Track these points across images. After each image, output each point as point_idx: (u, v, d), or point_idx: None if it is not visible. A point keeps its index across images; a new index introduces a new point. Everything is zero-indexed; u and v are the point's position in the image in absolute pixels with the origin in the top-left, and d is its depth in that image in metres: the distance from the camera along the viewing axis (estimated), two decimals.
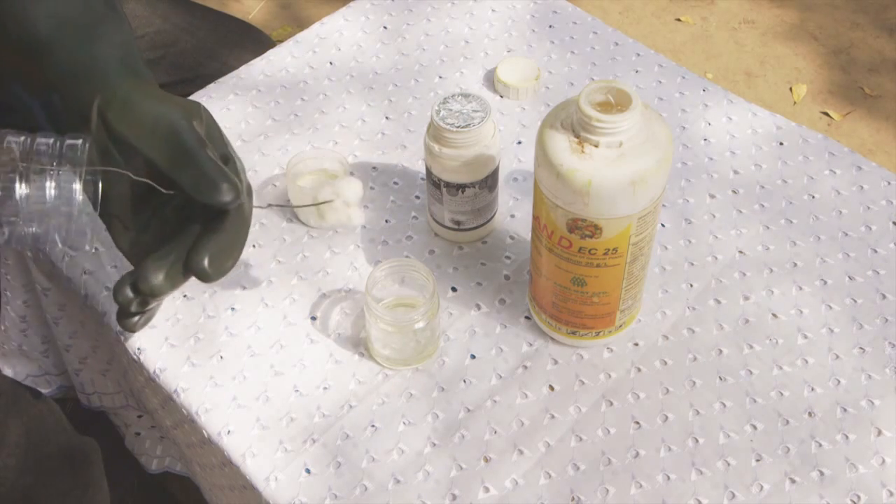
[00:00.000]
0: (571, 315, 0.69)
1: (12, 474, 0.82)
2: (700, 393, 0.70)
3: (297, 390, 0.70)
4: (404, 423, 0.68)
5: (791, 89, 1.88)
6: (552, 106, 0.64)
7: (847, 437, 0.67)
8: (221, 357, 0.72)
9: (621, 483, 0.65)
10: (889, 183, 0.84)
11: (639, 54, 0.96)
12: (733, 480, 0.65)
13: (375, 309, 0.67)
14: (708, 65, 1.94)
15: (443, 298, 0.75)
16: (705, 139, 0.88)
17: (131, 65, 0.60)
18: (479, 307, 0.75)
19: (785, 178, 0.84)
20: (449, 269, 0.78)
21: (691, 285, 0.76)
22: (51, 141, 0.53)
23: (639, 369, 0.71)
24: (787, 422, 0.68)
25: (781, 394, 0.69)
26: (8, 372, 0.98)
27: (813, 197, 0.83)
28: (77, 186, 0.53)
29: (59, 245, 0.54)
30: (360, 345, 0.73)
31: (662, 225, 0.81)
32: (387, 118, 0.90)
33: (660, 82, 0.93)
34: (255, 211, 0.56)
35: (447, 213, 0.76)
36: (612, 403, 0.69)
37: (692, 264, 0.78)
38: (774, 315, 0.74)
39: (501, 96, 0.92)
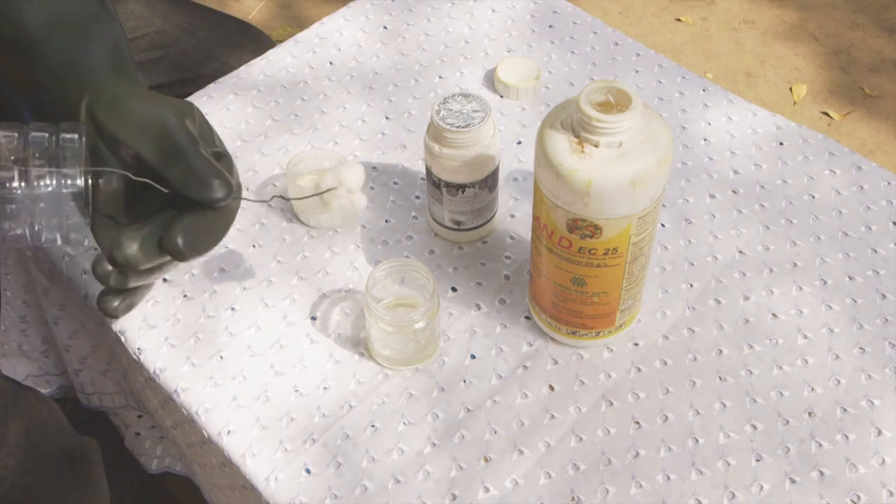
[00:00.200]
0: (571, 315, 0.69)
1: (12, 474, 0.82)
2: (700, 393, 0.70)
3: (297, 390, 0.70)
4: (404, 423, 0.68)
5: (791, 89, 1.88)
6: (552, 106, 0.64)
7: (847, 437, 0.67)
8: (221, 357, 0.72)
9: (621, 483, 0.65)
10: (889, 183, 0.84)
11: (639, 54, 0.96)
12: (733, 480, 0.65)
13: (375, 309, 0.67)
14: (708, 65, 1.94)
15: (443, 298, 0.75)
16: (705, 139, 0.88)
17: (120, 65, 0.60)
18: (479, 307, 0.75)
19: (785, 178, 0.84)
20: (449, 269, 0.78)
21: (691, 285, 0.76)
22: (46, 135, 0.53)
23: (639, 369, 0.71)
24: (787, 422, 0.68)
25: (781, 394, 0.69)
26: (8, 372, 0.98)
27: (813, 197, 0.83)
28: (79, 182, 0.53)
29: (59, 242, 0.54)
30: (360, 345, 0.73)
31: (662, 225, 0.81)
32: (387, 118, 0.90)
33: (660, 82, 0.93)
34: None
35: (447, 213, 0.76)
36: (612, 403, 0.69)
37: (692, 264, 0.78)
38: (774, 315, 0.74)
39: (501, 96, 0.92)
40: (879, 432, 0.67)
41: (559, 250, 0.63)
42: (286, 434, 0.68)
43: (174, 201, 0.56)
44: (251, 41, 1.10)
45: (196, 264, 0.77)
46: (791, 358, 0.72)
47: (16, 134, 0.52)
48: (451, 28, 1.00)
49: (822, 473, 0.65)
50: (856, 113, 1.83)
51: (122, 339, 0.73)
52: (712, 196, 0.83)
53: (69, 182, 0.53)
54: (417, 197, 0.83)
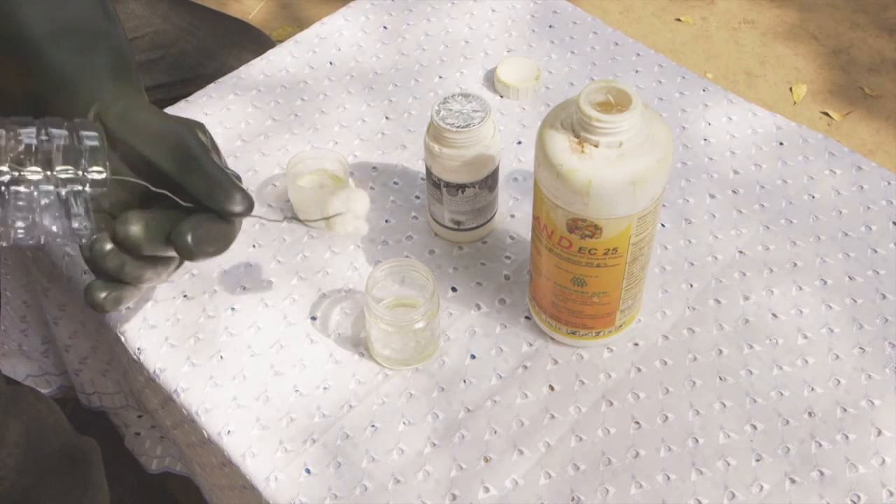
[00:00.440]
0: (571, 315, 0.69)
1: (12, 474, 0.82)
2: (700, 393, 0.70)
3: (297, 390, 0.70)
4: (404, 423, 0.68)
5: (791, 89, 1.88)
6: (552, 106, 0.64)
7: (847, 437, 0.67)
8: (221, 357, 0.72)
9: (621, 483, 0.65)
10: (889, 183, 0.84)
11: (639, 54, 0.96)
12: (733, 480, 0.65)
13: (375, 309, 0.67)
14: (708, 65, 1.94)
15: (443, 298, 0.75)
16: (705, 139, 0.88)
17: (125, 75, 0.60)
18: (479, 307, 0.75)
19: (785, 178, 0.84)
20: (449, 269, 0.78)
21: (691, 285, 0.76)
22: (65, 133, 0.52)
23: (639, 369, 0.71)
24: (787, 422, 0.68)
25: (781, 394, 0.69)
26: (8, 372, 0.98)
27: (813, 197, 0.83)
28: (104, 184, 0.53)
29: (66, 242, 0.54)
30: (360, 345, 0.73)
31: (662, 225, 0.81)
32: (387, 118, 0.90)
33: (660, 82, 0.93)
34: (255, 210, 0.57)
35: (447, 213, 0.76)
36: (612, 403, 0.69)
37: (692, 264, 0.78)
38: (774, 315, 0.74)
39: (501, 96, 0.92)
40: (879, 432, 0.67)
41: (559, 250, 0.63)
42: (286, 434, 0.68)
43: (179, 211, 0.56)
44: (251, 41, 1.10)
45: (196, 265, 0.77)
46: (791, 358, 0.72)
47: (33, 129, 0.51)
48: (451, 28, 1.00)
49: (822, 473, 0.65)
50: (856, 113, 1.83)
51: (122, 339, 0.73)
52: (712, 196, 0.83)
53: (90, 183, 0.52)
54: (417, 197, 0.83)
